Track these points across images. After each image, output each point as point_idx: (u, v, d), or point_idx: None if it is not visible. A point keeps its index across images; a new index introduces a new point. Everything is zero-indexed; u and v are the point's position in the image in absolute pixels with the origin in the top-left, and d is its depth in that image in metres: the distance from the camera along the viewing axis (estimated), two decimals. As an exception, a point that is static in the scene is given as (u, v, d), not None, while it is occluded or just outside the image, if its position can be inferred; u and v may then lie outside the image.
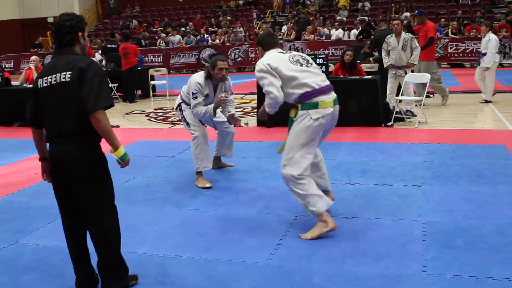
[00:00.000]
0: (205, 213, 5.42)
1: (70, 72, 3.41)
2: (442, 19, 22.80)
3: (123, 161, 3.65)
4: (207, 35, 24.63)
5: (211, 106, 6.26)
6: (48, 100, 3.49)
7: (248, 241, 4.64)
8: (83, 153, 3.50)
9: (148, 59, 23.62)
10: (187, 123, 6.43)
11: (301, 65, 4.72)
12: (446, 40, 20.90)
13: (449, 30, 21.57)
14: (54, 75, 3.45)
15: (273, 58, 4.74)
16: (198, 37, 24.41)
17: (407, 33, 10.65)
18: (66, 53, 3.52)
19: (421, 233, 4.65)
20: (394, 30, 10.52)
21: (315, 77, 4.69)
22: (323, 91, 4.65)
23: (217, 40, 24.06)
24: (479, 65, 11.83)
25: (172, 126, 10.73)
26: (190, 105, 6.39)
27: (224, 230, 4.93)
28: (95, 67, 3.43)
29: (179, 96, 6.65)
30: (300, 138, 4.63)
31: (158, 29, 26.83)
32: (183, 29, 25.72)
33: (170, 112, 12.66)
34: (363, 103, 9.47)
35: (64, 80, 3.41)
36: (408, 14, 23.74)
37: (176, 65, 23.89)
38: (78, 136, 3.48)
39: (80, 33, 3.58)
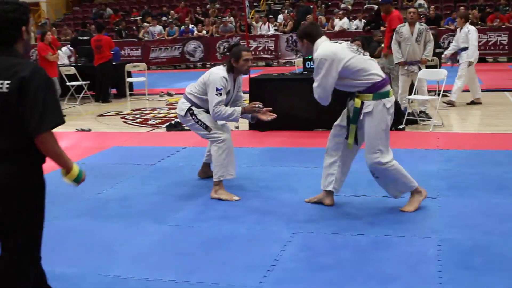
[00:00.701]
0: (189, 230, 5.41)
1: (8, 82, 3.12)
2: (461, 7, 22.89)
3: (79, 182, 3.45)
4: (193, 26, 24.65)
5: (238, 109, 6.25)
6: None
7: (238, 262, 4.63)
8: (21, 176, 3.24)
9: (125, 53, 23.62)
10: (207, 127, 6.32)
11: (361, 54, 5.41)
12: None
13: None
14: None
15: (336, 47, 5.35)
16: (182, 27, 24.42)
17: (422, 23, 10.69)
18: (4, 54, 3.22)
19: (436, 251, 4.66)
20: (408, 19, 10.52)
21: (377, 66, 5.47)
22: (388, 80, 5.47)
23: (204, 31, 24.09)
24: (457, 62, 11.87)
25: (151, 130, 10.74)
26: (203, 107, 6.36)
27: (210, 249, 4.92)
28: (40, 76, 3.16)
29: (183, 99, 6.52)
30: (381, 126, 5.35)
31: (137, 18, 26.84)
32: (164, 18, 25.74)
33: (150, 113, 12.67)
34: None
35: (0, 90, 3.13)
36: (422, 1, 23.86)
37: (157, 60, 23.91)
38: (16, 156, 3.23)
39: (24, 28, 3.28)
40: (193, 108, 6.38)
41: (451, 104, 11.66)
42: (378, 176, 5.55)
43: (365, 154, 5.49)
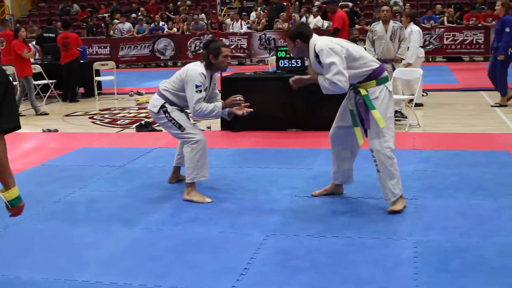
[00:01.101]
0: (159, 233, 5.40)
1: None
2: (438, 5, 23.12)
3: (13, 207, 3.24)
4: (163, 23, 24.59)
5: (219, 104, 6.25)
6: None
7: (210, 265, 4.63)
8: None
9: (93, 51, 23.50)
10: (180, 126, 6.25)
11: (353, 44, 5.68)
12: (442, 29, 21.17)
13: (445, 18, 21.86)
14: None
15: (336, 39, 5.60)
16: (152, 25, 24.34)
17: (396, 21, 10.77)
18: None
19: (411, 254, 4.69)
20: (382, 17, 10.58)
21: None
22: (383, 66, 5.79)
23: (175, 29, 24.04)
24: None
25: (121, 130, 10.69)
26: (177, 105, 6.32)
27: (181, 252, 4.92)
28: None
29: (156, 96, 6.44)
30: (388, 111, 5.55)
31: (105, 15, 26.68)
32: (134, 15, 25.63)
33: (119, 113, 12.61)
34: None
35: None
36: (399, -1, 24.01)
37: (126, 58, 23.80)
38: None
39: None
40: (166, 105, 6.29)
41: (419, 106, 11.72)
42: (380, 170, 5.60)
43: (371, 140, 5.59)
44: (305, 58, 6.59)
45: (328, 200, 6.12)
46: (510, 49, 11.34)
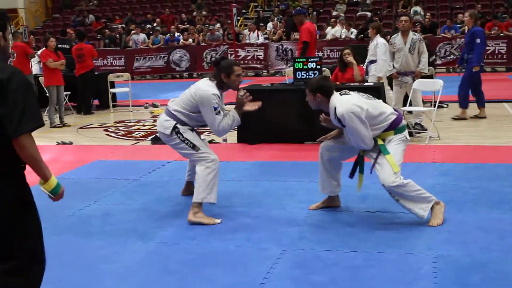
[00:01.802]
0: (175, 247, 5.44)
1: None
2: (459, 15, 23.07)
3: (56, 195, 3.54)
4: (178, 34, 24.70)
5: (232, 112, 6.22)
6: None
7: (226, 280, 4.66)
8: (3, 186, 3.31)
9: (107, 62, 23.65)
10: (194, 146, 6.12)
11: (372, 99, 5.83)
12: (463, 39, 21.07)
13: (466, 28, 21.76)
14: None
15: (352, 99, 5.67)
16: (168, 36, 24.47)
17: (416, 33, 10.76)
18: None
19: (431, 269, 4.70)
20: (400, 28, 10.57)
21: (387, 105, 6.04)
22: (401, 114, 5.99)
23: (190, 40, 24.15)
24: (367, 74, 11.77)
25: (136, 143, 10.76)
26: (188, 125, 6.19)
27: (197, 267, 4.95)
28: (18, 78, 3.25)
29: (165, 117, 6.29)
30: (401, 156, 5.75)
31: (119, 26, 26.88)
32: (149, 26, 25.78)
33: (134, 126, 12.69)
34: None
35: None
36: (418, 8, 24.03)
37: (141, 70, 23.95)
38: None
39: (1, 33, 3.42)
40: (178, 125, 6.17)
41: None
42: (399, 199, 5.72)
43: (381, 177, 5.68)
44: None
45: (345, 214, 6.14)
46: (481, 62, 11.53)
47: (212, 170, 6.07)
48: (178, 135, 6.16)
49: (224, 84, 6.17)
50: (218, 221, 6.07)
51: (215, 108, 6.02)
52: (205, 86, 6.14)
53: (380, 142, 5.71)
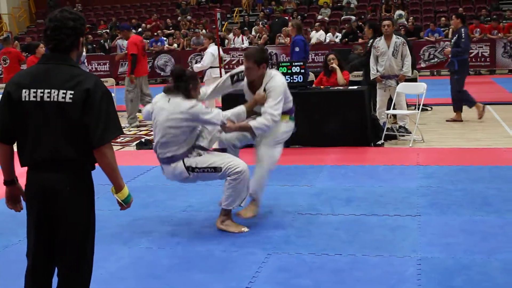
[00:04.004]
0: (160, 252, 5.45)
1: (72, 92, 3.29)
2: (442, 18, 23.20)
3: (127, 204, 3.73)
4: (164, 38, 24.66)
5: (242, 107, 6.22)
6: (35, 117, 3.35)
7: (212, 284, 4.68)
8: (78, 183, 3.50)
9: (92, 67, 23.59)
10: (215, 168, 5.73)
11: None
12: (447, 42, 21.18)
13: (450, 31, 21.91)
14: (48, 90, 3.31)
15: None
16: (152, 38, 24.37)
17: (399, 37, 10.80)
18: (64, 63, 3.40)
19: (415, 271, 4.74)
20: (383, 32, 10.60)
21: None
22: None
23: (175, 45, 24.12)
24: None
25: (121, 148, 10.74)
26: (191, 149, 5.74)
27: (183, 271, 4.97)
28: (101, 88, 3.37)
29: (168, 165, 5.83)
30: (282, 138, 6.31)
31: (104, 31, 26.79)
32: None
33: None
34: (348, 119, 9.51)
35: (63, 100, 3.30)
36: (402, 12, 24.13)
37: (126, 75, 23.79)
38: (73, 164, 3.44)
39: (81, 38, 3.51)
40: (185, 160, 5.72)
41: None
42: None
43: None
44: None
45: (330, 217, 6.16)
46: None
47: (241, 179, 5.71)
48: (196, 170, 5.74)
49: (190, 96, 5.67)
50: (246, 229, 5.87)
51: (204, 109, 5.61)
52: (182, 103, 5.61)
53: (284, 117, 6.20)
